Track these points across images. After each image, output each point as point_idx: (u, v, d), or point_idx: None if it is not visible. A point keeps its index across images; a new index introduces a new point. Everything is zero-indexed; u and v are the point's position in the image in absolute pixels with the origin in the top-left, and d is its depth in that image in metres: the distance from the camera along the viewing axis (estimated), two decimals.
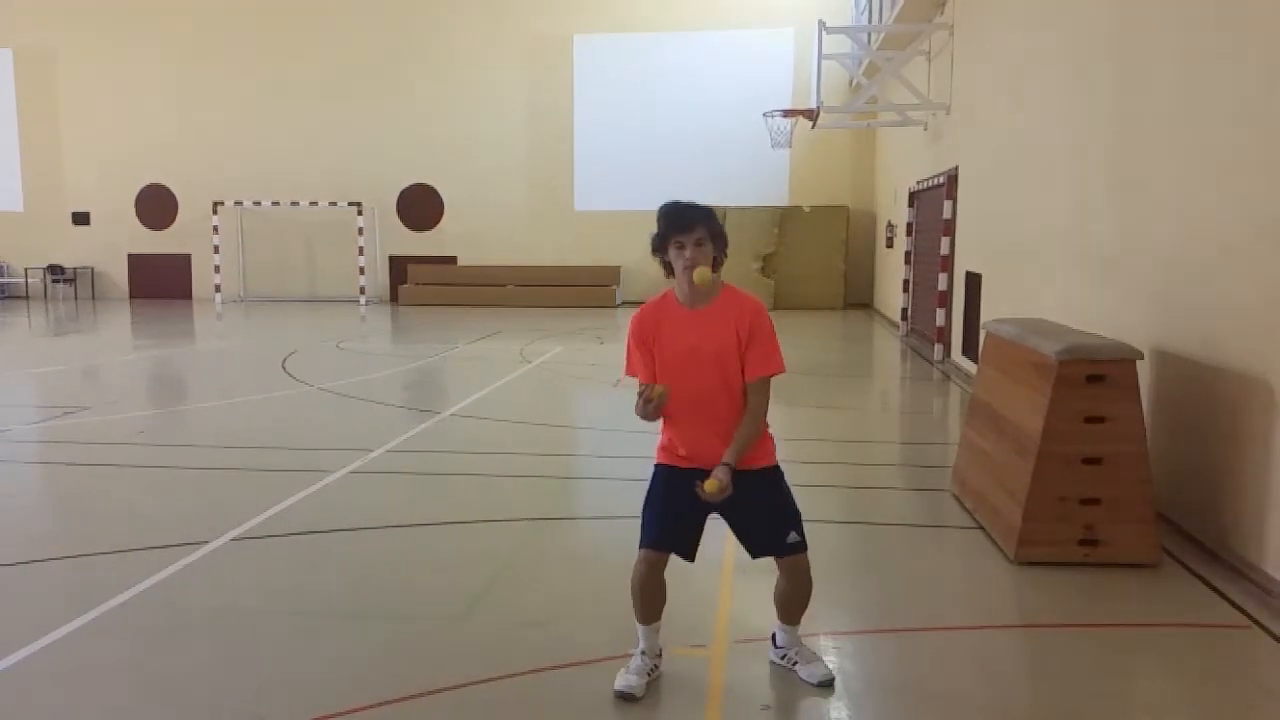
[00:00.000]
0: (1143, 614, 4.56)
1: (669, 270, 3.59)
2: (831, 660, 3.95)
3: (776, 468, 3.71)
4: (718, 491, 3.40)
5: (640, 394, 3.44)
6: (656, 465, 3.73)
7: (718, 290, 3.61)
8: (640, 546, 3.69)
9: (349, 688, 3.74)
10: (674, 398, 3.54)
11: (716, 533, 3.79)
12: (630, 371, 3.69)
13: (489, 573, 5.10)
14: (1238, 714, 3.69)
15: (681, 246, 3.49)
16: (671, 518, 3.65)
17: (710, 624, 4.39)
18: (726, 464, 3.45)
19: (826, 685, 3.74)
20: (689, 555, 3.72)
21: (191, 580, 4.93)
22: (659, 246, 3.57)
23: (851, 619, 4.54)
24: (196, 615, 4.49)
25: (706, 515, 3.67)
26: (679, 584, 4.54)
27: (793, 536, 3.65)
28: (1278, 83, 4.81)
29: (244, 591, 4.82)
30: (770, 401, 3.61)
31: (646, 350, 3.60)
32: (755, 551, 3.74)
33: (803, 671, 3.80)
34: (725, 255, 3.63)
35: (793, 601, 3.80)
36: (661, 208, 3.57)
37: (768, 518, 3.66)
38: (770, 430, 3.72)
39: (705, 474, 3.55)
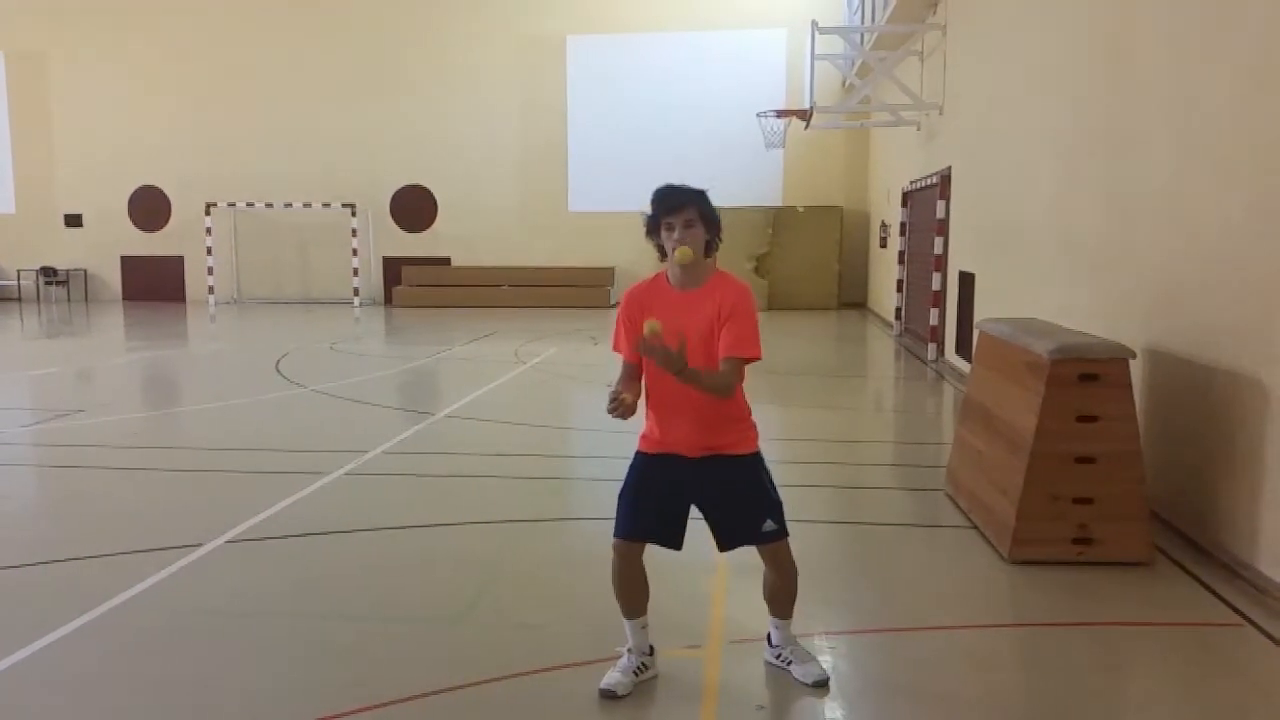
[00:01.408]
0: (1136, 612, 4.57)
1: (663, 253, 3.58)
2: (826, 660, 3.95)
3: (757, 454, 3.68)
4: (653, 332, 3.25)
5: (611, 398, 3.40)
6: (635, 453, 3.72)
7: (709, 274, 3.59)
8: (613, 536, 3.68)
9: (344, 690, 3.74)
10: (654, 378, 3.54)
11: (710, 534, 3.79)
12: (616, 348, 3.69)
13: (484, 574, 5.10)
14: (1231, 712, 3.70)
15: (671, 228, 3.48)
16: (642, 507, 3.63)
17: (705, 624, 4.40)
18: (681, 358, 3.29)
19: (821, 685, 3.74)
20: (673, 544, 3.68)
21: (187, 583, 4.93)
22: (652, 229, 3.56)
23: (846, 618, 4.55)
24: (192, 618, 4.49)
25: (686, 502, 3.65)
26: (673, 584, 4.55)
27: (769, 525, 3.62)
28: (1269, 82, 4.83)
29: (239, 594, 4.81)
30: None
31: (635, 329, 3.58)
32: (728, 542, 3.69)
33: (797, 671, 3.79)
34: (720, 239, 3.60)
35: (780, 592, 3.79)
36: (655, 190, 3.56)
37: (743, 505, 3.63)
38: (753, 418, 3.70)
39: (679, 460, 3.56)
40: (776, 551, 3.69)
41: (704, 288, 3.56)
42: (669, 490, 3.62)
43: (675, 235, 3.47)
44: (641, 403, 3.58)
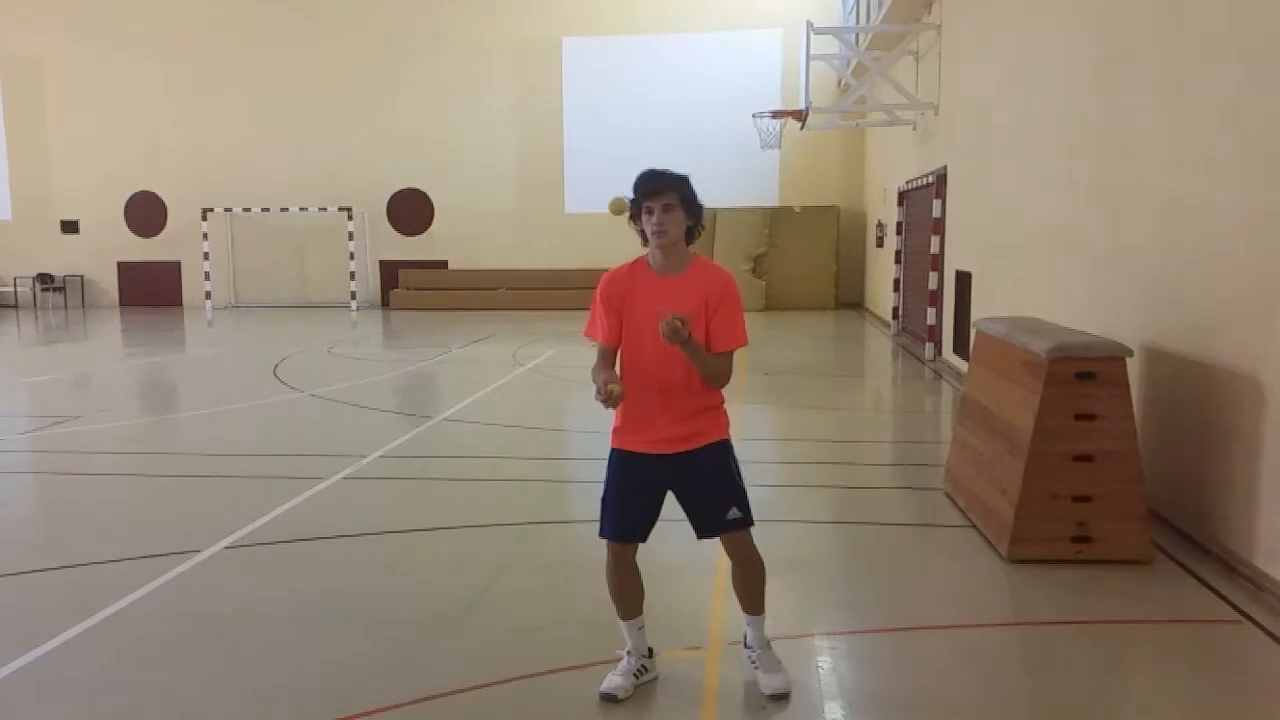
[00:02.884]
0: (1135, 610, 4.57)
1: (644, 238, 3.58)
2: (825, 660, 3.95)
3: (727, 442, 3.67)
4: (671, 330, 3.30)
5: (599, 390, 3.38)
6: (611, 450, 3.71)
7: (689, 260, 3.60)
8: (604, 538, 3.69)
9: (343, 694, 3.74)
10: (631, 364, 3.55)
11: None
12: (590, 333, 3.66)
13: (483, 578, 5.10)
14: (1230, 708, 3.70)
15: (650, 211, 3.49)
16: (629, 508, 3.63)
17: (705, 626, 4.39)
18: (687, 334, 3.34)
19: (778, 699, 3.64)
20: (644, 538, 3.68)
21: (186, 589, 4.92)
22: (634, 213, 3.57)
23: (845, 619, 4.56)
24: (191, 624, 4.48)
25: (661, 494, 3.64)
26: (674, 586, 4.55)
27: (733, 513, 3.60)
28: (1262, 80, 4.84)
29: (238, 599, 4.81)
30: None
31: (614, 313, 3.57)
32: (701, 531, 3.68)
33: (761, 680, 3.71)
34: (702, 226, 3.62)
35: (745, 584, 3.73)
36: (637, 175, 3.56)
37: (711, 493, 3.62)
38: (725, 406, 3.69)
39: (649, 457, 3.56)
40: (741, 540, 3.65)
41: (686, 273, 3.58)
42: (652, 491, 3.63)
43: (654, 219, 3.48)
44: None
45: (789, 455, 8.23)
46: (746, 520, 3.64)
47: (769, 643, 3.79)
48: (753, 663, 3.78)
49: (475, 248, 24.42)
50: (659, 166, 3.59)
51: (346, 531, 5.92)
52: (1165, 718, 3.71)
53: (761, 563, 3.71)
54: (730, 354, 3.57)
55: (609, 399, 3.35)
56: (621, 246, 3.75)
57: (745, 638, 3.85)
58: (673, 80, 23.23)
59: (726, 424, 3.68)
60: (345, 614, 4.63)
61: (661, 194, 3.49)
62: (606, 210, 3.52)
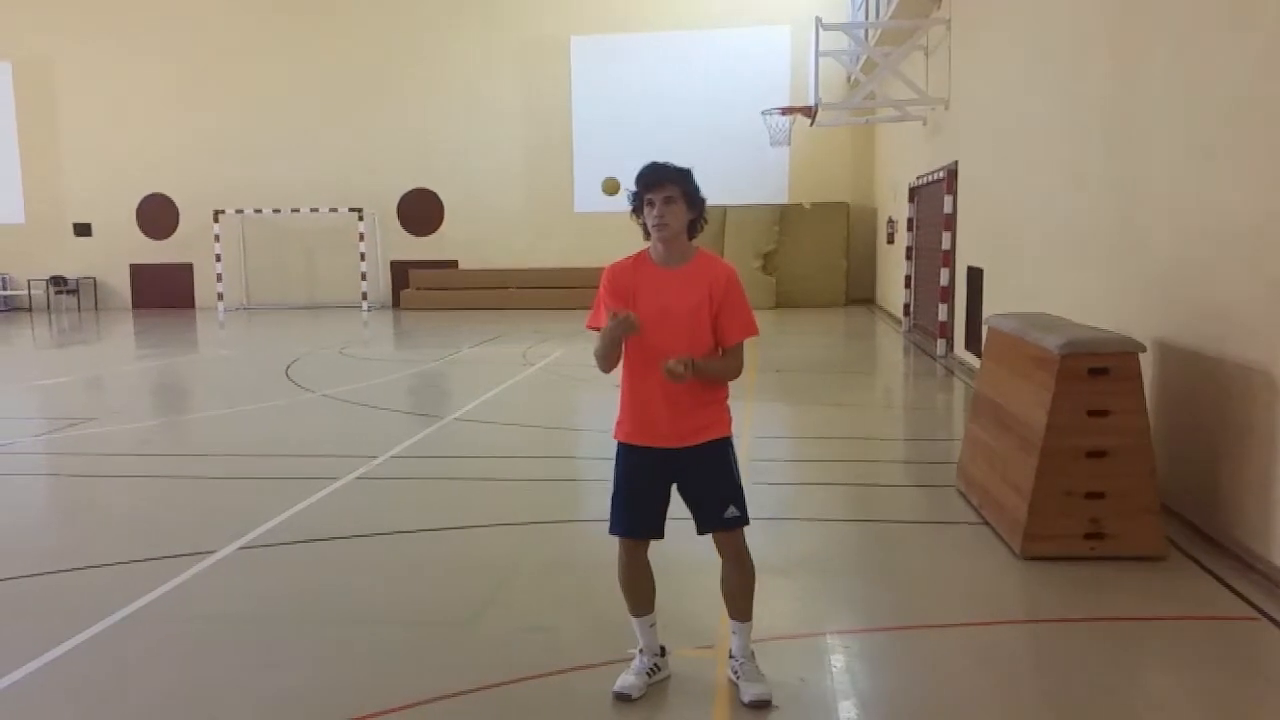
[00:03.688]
0: (1149, 607, 4.55)
1: (647, 232, 3.59)
2: (838, 659, 3.94)
3: (728, 439, 3.66)
4: (674, 377, 3.36)
5: (615, 318, 3.39)
6: (617, 446, 3.71)
7: (692, 252, 3.62)
8: (615, 535, 3.69)
9: (357, 694, 3.75)
10: (633, 356, 3.55)
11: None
12: (594, 324, 3.64)
13: (495, 577, 5.11)
14: (1246, 706, 3.69)
15: (652, 204, 3.50)
16: (635, 501, 3.64)
17: (717, 625, 4.38)
18: (692, 360, 3.41)
19: (757, 706, 3.57)
20: (659, 533, 3.68)
21: (200, 590, 4.95)
22: (636, 207, 3.58)
23: (858, 617, 4.55)
24: (206, 625, 4.51)
25: (668, 488, 3.64)
26: (684, 585, 4.55)
27: (731, 511, 3.59)
28: (1275, 72, 4.81)
29: (252, 600, 4.83)
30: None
31: (620, 301, 3.56)
32: (700, 526, 3.67)
33: (742, 688, 3.65)
34: (704, 220, 3.62)
35: (735, 585, 3.68)
36: (640, 169, 3.57)
37: (711, 490, 3.61)
38: (729, 402, 3.69)
39: (655, 451, 3.57)
40: (732, 540, 3.64)
41: (689, 265, 3.59)
42: (659, 485, 3.64)
43: (655, 212, 3.49)
44: (618, 384, 3.62)
45: (800, 453, 8.22)
46: (743, 519, 3.64)
47: (753, 653, 3.72)
48: (735, 673, 3.71)
49: (485, 247, 24.46)
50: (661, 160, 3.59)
51: (359, 532, 5.94)
52: (1180, 715, 3.69)
53: (752, 565, 3.69)
54: (740, 347, 3.60)
55: (626, 323, 3.38)
56: (630, 245, 3.75)
57: (731, 647, 3.77)
58: (681, 77, 23.22)
59: (729, 421, 3.68)
60: (358, 614, 4.64)
61: (662, 186, 3.49)
62: (603, 194, 3.55)
